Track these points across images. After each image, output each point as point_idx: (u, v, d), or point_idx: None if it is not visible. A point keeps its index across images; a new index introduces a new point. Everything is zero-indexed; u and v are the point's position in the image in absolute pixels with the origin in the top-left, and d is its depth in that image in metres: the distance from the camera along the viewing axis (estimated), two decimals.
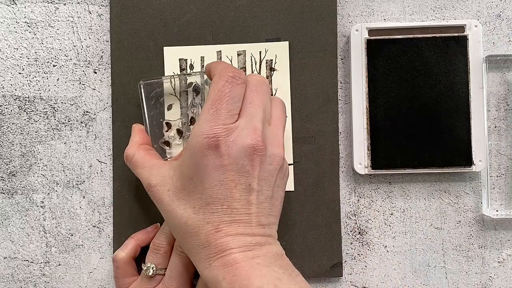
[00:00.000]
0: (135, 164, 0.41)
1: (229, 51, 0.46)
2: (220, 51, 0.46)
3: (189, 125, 0.44)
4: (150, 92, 0.44)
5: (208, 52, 0.46)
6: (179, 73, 0.46)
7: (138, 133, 0.43)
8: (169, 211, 0.37)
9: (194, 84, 0.44)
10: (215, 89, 0.37)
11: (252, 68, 0.46)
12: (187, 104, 0.45)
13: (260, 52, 0.46)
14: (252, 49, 0.46)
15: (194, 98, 0.45)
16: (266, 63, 0.46)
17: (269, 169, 0.37)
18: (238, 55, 0.46)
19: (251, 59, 0.46)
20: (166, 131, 0.44)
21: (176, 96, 0.45)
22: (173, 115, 0.45)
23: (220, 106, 0.36)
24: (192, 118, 0.44)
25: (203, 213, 0.36)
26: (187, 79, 0.45)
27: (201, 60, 0.46)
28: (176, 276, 0.41)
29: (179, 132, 0.44)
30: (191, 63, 0.46)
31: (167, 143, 0.44)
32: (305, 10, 0.46)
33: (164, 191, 0.38)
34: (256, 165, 0.36)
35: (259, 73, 0.46)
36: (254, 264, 0.34)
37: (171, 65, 0.46)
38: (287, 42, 0.46)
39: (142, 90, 0.44)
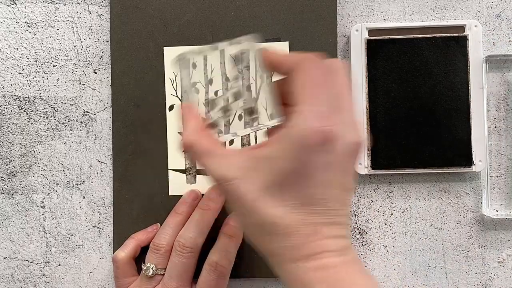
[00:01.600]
0: (200, 152, 0.34)
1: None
2: None
3: (235, 101, 0.37)
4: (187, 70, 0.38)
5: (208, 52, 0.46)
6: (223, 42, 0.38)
7: (193, 118, 0.36)
8: (252, 207, 0.32)
9: (236, 53, 0.37)
10: (310, 76, 0.32)
11: None
12: (228, 77, 0.38)
13: None
14: None
15: (238, 70, 0.37)
16: None
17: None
18: None
19: None
20: (208, 112, 0.37)
21: (223, 64, 0.38)
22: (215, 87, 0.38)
23: (322, 96, 0.32)
24: (237, 92, 0.37)
25: (300, 213, 0.32)
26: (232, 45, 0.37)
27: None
28: (176, 276, 0.41)
29: (226, 110, 0.37)
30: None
31: (213, 125, 0.37)
32: (305, 10, 0.46)
33: (246, 185, 0.32)
34: (356, 162, 0.34)
35: None
36: (353, 270, 0.32)
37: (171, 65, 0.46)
38: (287, 42, 0.46)
39: (179, 66, 0.37)
